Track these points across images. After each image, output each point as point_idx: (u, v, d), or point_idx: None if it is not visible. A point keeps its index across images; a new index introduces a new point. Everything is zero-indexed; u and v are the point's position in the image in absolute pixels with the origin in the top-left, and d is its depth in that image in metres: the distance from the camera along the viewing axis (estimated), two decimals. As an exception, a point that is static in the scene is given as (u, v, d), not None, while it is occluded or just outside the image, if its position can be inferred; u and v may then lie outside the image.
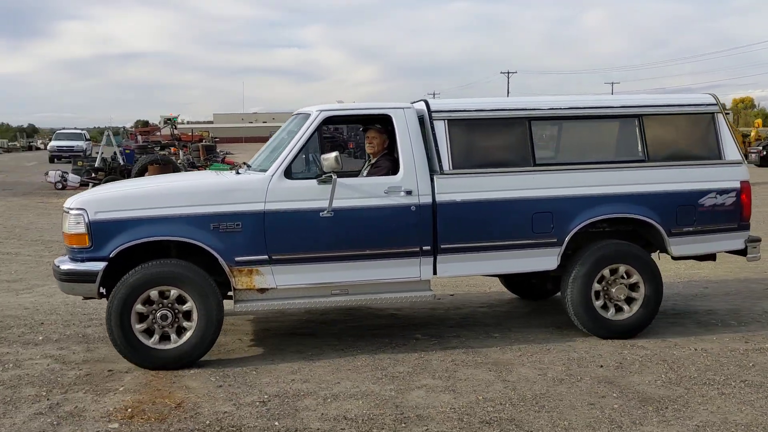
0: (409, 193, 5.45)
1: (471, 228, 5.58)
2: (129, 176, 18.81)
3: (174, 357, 5.14)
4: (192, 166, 21.31)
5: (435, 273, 5.60)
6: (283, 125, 6.44)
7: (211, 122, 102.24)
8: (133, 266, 5.14)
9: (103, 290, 5.21)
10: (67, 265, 5.19)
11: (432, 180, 5.51)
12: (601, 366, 5.16)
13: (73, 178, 20.16)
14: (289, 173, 5.37)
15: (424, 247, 5.50)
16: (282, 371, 5.14)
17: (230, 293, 5.41)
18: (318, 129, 5.51)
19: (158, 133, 30.28)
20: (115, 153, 21.81)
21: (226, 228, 5.20)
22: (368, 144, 5.90)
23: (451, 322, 6.56)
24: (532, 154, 5.73)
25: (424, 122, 5.66)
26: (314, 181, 5.37)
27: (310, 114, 5.56)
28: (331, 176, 5.24)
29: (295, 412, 4.37)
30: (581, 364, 5.22)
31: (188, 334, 5.16)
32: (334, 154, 5.16)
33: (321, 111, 5.53)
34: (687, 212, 5.87)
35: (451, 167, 5.57)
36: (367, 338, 5.97)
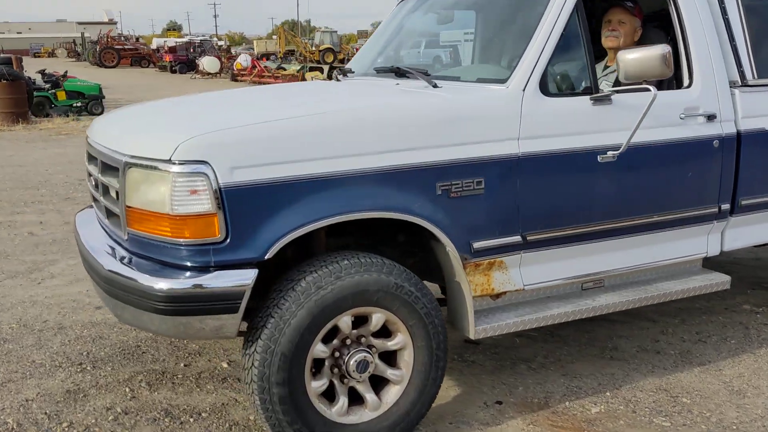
0: (710, 118, 3.30)
1: (776, 172, 3.58)
2: None
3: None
4: (28, 84, 16.11)
5: (722, 245, 3.58)
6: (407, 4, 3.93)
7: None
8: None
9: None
10: (166, 282, 2.39)
11: (733, 96, 3.40)
12: None
13: None
14: (544, 86, 2.97)
15: (723, 206, 3.43)
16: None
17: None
18: (578, 6, 3.09)
19: None
20: None
21: (461, 191, 2.76)
22: (610, 33, 3.54)
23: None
24: None
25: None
26: (587, 99, 3.03)
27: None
28: (632, 85, 2.93)
29: None
30: None
31: (395, 390, 2.77)
32: (660, 48, 2.84)
33: None
34: None
35: (755, 75, 3.48)
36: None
